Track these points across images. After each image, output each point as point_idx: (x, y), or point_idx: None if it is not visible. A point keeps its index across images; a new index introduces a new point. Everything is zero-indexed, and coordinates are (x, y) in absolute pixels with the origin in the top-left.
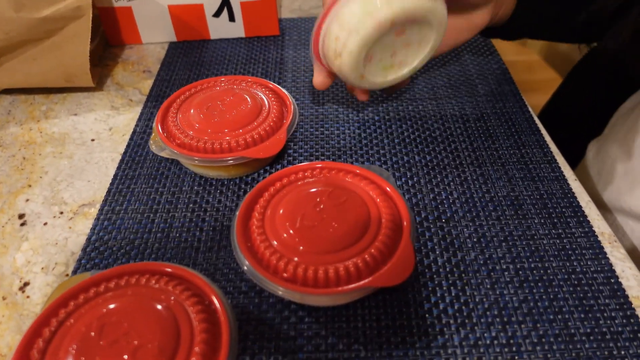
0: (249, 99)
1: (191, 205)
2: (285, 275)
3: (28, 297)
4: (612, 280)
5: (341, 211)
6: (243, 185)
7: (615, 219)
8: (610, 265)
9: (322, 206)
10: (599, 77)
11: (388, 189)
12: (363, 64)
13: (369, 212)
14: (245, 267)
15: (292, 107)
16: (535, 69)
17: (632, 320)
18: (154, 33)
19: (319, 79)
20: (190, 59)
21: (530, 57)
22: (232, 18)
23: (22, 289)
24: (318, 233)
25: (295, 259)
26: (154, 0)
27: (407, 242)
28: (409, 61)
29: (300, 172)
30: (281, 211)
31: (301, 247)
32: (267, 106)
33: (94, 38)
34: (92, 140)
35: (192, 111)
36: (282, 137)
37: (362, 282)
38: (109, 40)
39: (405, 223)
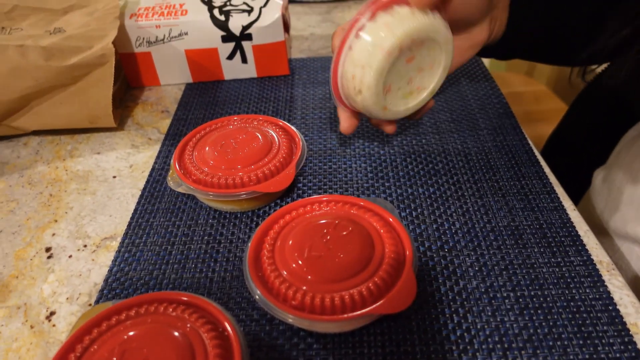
0: (260, 136)
1: (206, 237)
2: (294, 303)
3: (54, 325)
4: (610, 308)
5: (347, 242)
6: (255, 218)
7: (621, 246)
8: (609, 292)
9: (328, 237)
10: (602, 107)
11: (391, 220)
12: (383, 95)
13: (373, 243)
14: (257, 296)
15: (301, 143)
16: (542, 99)
17: (629, 347)
18: (172, 75)
19: (346, 123)
20: (206, 98)
21: (537, 88)
22: (244, 60)
23: (48, 318)
24: (325, 263)
25: (304, 287)
26: (171, 46)
27: (409, 271)
28: (425, 84)
29: (308, 205)
30: (290, 242)
31: (309, 277)
32: (277, 143)
33: (116, 81)
34: (114, 177)
35: (207, 149)
36: (291, 172)
37: (366, 309)
38: (129, 82)
39: (407, 253)
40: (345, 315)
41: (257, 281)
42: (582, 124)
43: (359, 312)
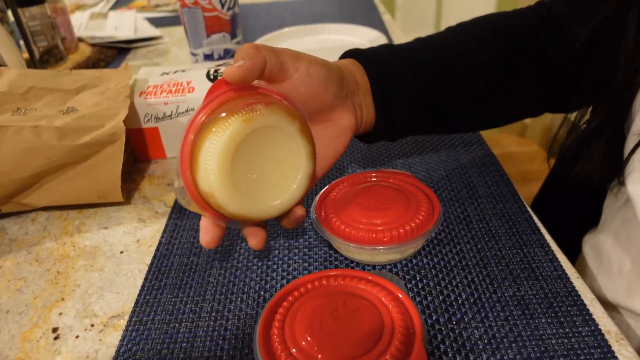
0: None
1: (214, 314)
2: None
3: None
4: None
5: (356, 318)
6: (262, 293)
7: (616, 316)
8: None
9: (338, 314)
10: (578, 184)
11: (400, 295)
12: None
13: (382, 319)
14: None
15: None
16: (536, 158)
17: None
18: (178, 148)
19: (208, 235)
20: None
21: (530, 148)
22: None
23: None
24: (334, 340)
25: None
26: (177, 121)
27: (419, 347)
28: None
29: (317, 281)
30: (299, 319)
31: (319, 355)
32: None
33: (124, 156)
34: (121, 252)
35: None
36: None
37: None
38: (136, 156)
39: (417, 327)
40: None
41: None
42: (564, 188)
43: None
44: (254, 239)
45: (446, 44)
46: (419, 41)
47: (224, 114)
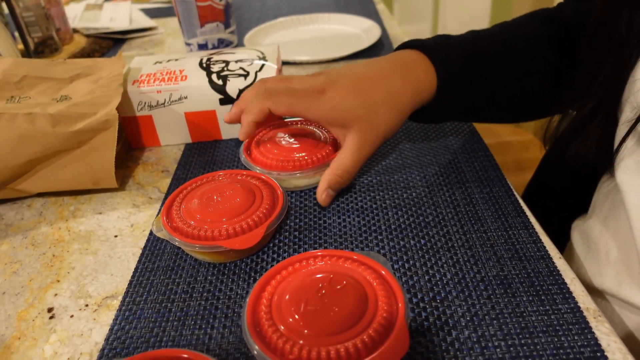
0: (244, 191)
1: (205, 294)
2: (291, 357)
3: None
4: (599, 354)
5: (341, 296)
6: (252, 274)
7: (602, 302)
8: (596, 339)
9: (323, 291)
10: (570, 167)
11: (384, 272)
12: None
13: (366, 296)
14: (255, 352)
15: (283, 200)
16: (530, 147)
17: None
18: (172, 136)
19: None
20: (204, 158)
21: (525, 137)
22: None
23: None
24: (320, 317)
25: (300, 341)
26: (171, 109)
27: (402, 323)
28: None
29: (304, 260)
30: (287, 297)
31: (305, 331)
32: (260, 199)
33: (118, 143)
34: (115, 236)
35: (194, 201)
36: (260, 231)
37: None
38: (130, 144)
39: (400, 305)
40: None
41: (255, 336)
42: (557, 174)
43: None
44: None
45: (500, 47)
46: (476, 39)
47: None
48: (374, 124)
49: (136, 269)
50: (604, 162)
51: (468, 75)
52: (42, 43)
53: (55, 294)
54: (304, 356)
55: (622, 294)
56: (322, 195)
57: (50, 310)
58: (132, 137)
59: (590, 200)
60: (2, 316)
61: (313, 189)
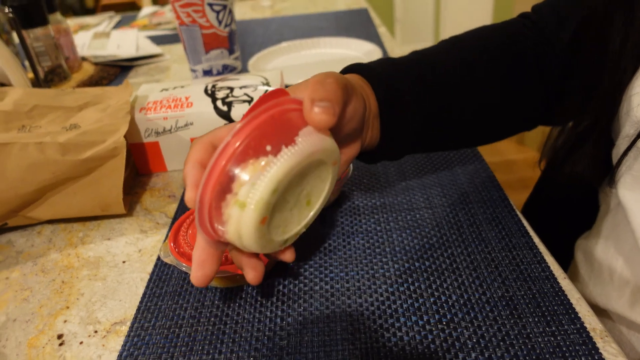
0: None
1: (212, 319)
2: None
3: None
4: None
5: None
6: (259, 298)
7: (608, 322)
8: None
9: None
10: (568, 187)
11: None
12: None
13: None
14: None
15: None
16: (534, 165)
17: None
18: (178, 161)
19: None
20: None
21: (529, 155)
22: None
23: None
24: None
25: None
26: (178, 135)
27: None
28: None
29: None
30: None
31: None
32: None
33: (125, 170)
34: (124, 262)
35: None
36: (264, 258)
37: None
38: (138, 170)
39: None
40: None
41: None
42: (555, 190)
43: None
44: (253, 271)
45: (446, 57)
46: (418, 54)
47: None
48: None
49: (144, 294)
50: (599, 180)
51: (411, 84)
52: (52, 72)
53: (65, 320)
54: None
55: (626, 313)
56: (314, 109)
57: (60, 337)
58: (140, 163)
59: (592, 217)
60: (13, 343)
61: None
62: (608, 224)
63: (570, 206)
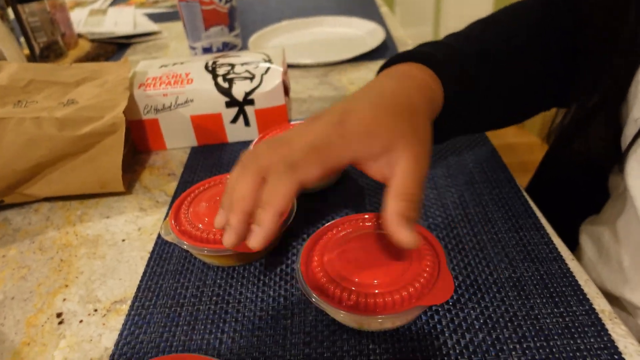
0: None
1: (214, 297)
2: (349, 303)
3: None
4: (616, 357)
5: (390, 249)
6: (262, 277)
7: (614, 306)
8: (613, 341)
9: (373, 247)
10: (575, 166)
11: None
12: None
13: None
14: (314, 299)
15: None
16: (534, 149)
17: None
18: (178, 139)
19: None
20: (210, 161)
21: (529, 139)
22: (247, 123)
23: None
24: (370, 266)
25: (352, 288)
26: (178, 112)
27: (445, 268)
28: None
29: (354, 221)
30: (339, 254)
31: (356, 279)
32: None
33: (124, 147)
34: (123, 240)
35: (202, 204)
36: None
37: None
38: (137, 147)
39: (439, 252)
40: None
41: (314, 288)
42: (561, 171)
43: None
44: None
45: (496, 38)
46: (469, 35)
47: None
48: (419, 134)
49: (145, 273)
50: (609, 159)
51: (472, 74)
52: (47, 48)
53: (64, 299)
54: (362, 302)
55: (634, 300)
56: (402, 233)
57: (59, 315)
58: (139, 141)
59: (597, 201)
60: (11, 321)
61: (320, 190)
62: (615, 210)
63: (575, 189)
